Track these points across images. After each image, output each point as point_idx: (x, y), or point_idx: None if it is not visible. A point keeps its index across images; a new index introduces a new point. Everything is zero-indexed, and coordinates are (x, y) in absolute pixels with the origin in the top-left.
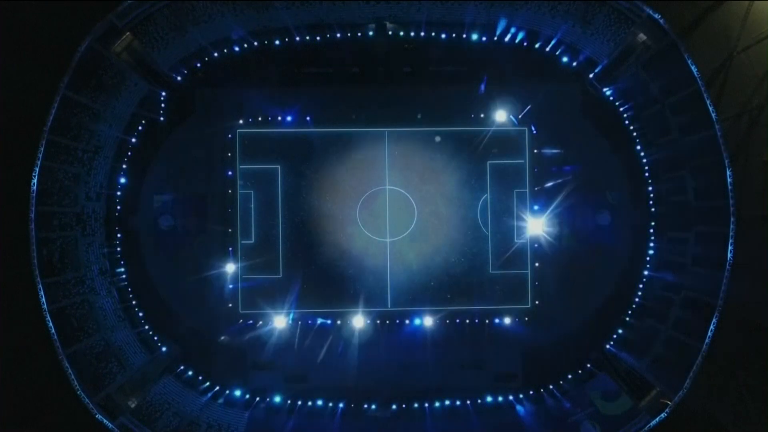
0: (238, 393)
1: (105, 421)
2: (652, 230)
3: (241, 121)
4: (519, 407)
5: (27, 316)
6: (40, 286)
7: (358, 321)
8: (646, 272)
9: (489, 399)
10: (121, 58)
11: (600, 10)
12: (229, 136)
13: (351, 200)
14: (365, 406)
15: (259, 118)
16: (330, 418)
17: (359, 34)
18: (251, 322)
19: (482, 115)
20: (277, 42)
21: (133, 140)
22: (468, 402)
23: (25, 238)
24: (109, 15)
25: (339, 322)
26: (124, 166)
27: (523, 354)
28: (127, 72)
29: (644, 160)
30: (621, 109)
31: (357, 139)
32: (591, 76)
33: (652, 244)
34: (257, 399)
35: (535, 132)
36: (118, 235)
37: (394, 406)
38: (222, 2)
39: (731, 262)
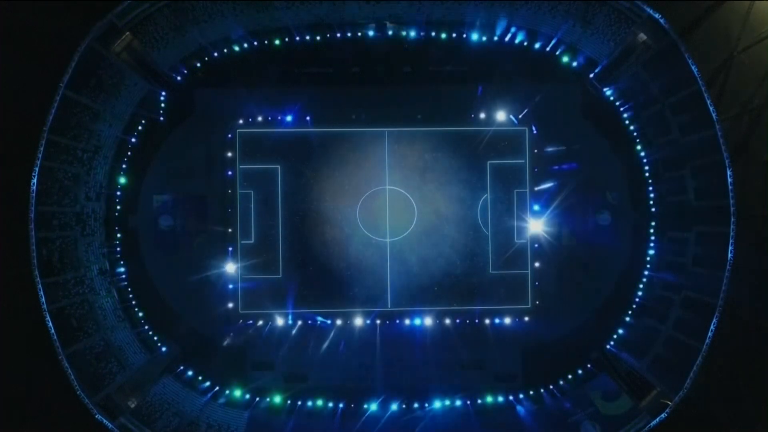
0: (238, 393)
1: (105, 421)
2: (652, 230)
3: (241, 121)
4: (519, 407)
5: (26, 316)
6: (40, 286)
7: (358, 321)
8: (646, 272)
9: (489, 399)
10: (121, 57)
11: (600, 9)
12: (229, 136)
13: (351, 200)
14: (365, 406)
15: (259, 118)
16: (330, 418)
17: (359, 34)
18: (251, 322)
19: (482, 115)
20: (277, 42)
21: (133, 140)
22: (468, 402)
23: (24, 238)
24: (108, 15)
25: (339, 322)
26: (123, 166)
27: (523, 354)
28: (127, 72)
29: (644, 160)
30: (621, 109)
31: (357, 139)
32: (591, 76)
33: (652, 244)
34: (257, 399)
35: (535, 132)
36: (118, 235)
37: (394, 406)
38: (222, 2)
39: (731, 262)
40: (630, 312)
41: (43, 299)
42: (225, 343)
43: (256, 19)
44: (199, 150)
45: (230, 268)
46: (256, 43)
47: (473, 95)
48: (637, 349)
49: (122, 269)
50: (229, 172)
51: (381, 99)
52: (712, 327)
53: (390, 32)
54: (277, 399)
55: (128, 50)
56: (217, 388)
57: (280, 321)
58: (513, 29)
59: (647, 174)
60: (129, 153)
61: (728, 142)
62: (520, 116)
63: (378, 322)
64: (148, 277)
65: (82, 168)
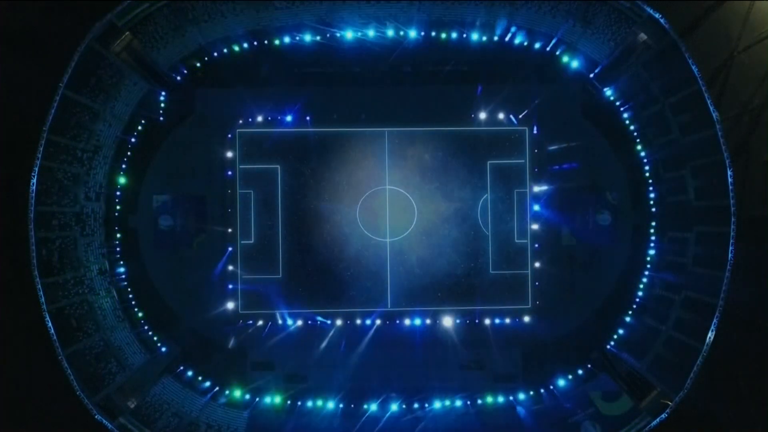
0: (238, 393)
1: (104, 421)
2: (652, 230)
3: (241, 121)
4: (519, 407)
5: (26, 316)
6: (39, 286)
7: (358, 321)
8: (646, 272)
9: (489, 399)
10: (121, 57)
11: (600, 9)
12: (229, 136)
13: (351, 200)
14: (365, 406)
15: (259, 118)
16: (330, 418)
17: (359, 34)
18: (251, 322)
19: (482, 115)
20: (276, 42)
21: (133, 140)
22: (468, 402)
23: (24, 238)
24: (108, 15)
25: (339, 322)
26: (123, 166)
27: (523, 354)
28: (127, 72)
29: (644, 160)
30: (621, 109)
31: (357, 139)
32: (591, 76)
33: (652, 244)
34: (257, 399)
35: (535, 132)
36: (118, 235)
37: (394, 407)
38: (222, 2)
39: (732, 262)
40: (630, 312)
41: (43, 299)
42: (225, 343)
43: (256, 19)
44: (199, 150)
45: (230, 268)
46: (256, 43)
47: (473, 95)
48: (638, 349)
49: (122, 269)
50: (229, 172)
51: (381, 99)
52: (712, 327)
53: (390, 32)
54: (277, 399)
55: (128, 50)
56: (217, 388)
57: (280, 321)
58: (513, 29)
59: (647, 174)
60: (129, 153)
61: (728, 142)
62: (520, 116)
63: (378, 322)
64: (148, 277)
65: (82, 168)
